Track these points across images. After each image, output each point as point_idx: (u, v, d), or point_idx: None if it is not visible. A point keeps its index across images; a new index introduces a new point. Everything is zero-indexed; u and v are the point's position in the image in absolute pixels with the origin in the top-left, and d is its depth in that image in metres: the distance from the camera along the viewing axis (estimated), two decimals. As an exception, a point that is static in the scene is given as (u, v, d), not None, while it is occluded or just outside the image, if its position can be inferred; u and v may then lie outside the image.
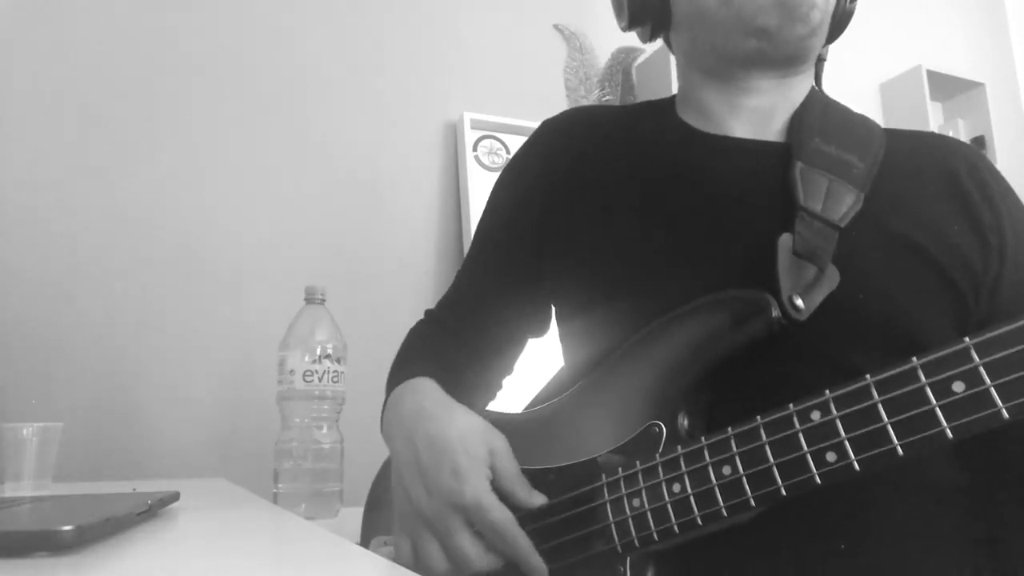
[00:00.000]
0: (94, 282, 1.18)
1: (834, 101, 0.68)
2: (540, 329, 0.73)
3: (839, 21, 0.66)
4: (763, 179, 0.60)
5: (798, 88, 0.66)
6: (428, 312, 0.77)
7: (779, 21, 0.60)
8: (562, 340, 0.69)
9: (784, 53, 0.63)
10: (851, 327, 0.53)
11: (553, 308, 0.71)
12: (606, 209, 0.64)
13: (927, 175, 0.61)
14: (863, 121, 0.65)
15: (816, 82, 0.70)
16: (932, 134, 0.69)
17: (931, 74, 2.04)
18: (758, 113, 0.65)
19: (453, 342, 0.70)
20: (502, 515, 0.52)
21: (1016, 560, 0.54)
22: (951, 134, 1.96)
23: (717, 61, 0.65)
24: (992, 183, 0.61)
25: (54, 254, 1.16)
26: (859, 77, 2.10)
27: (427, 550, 0.54)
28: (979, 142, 2.11)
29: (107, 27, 1.26)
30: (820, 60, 0.70)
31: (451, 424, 0.56)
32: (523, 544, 0.52)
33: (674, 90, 0.72)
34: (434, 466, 0.54)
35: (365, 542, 0.69)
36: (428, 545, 0.54)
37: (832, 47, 0.71)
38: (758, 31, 0.61)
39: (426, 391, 0.62)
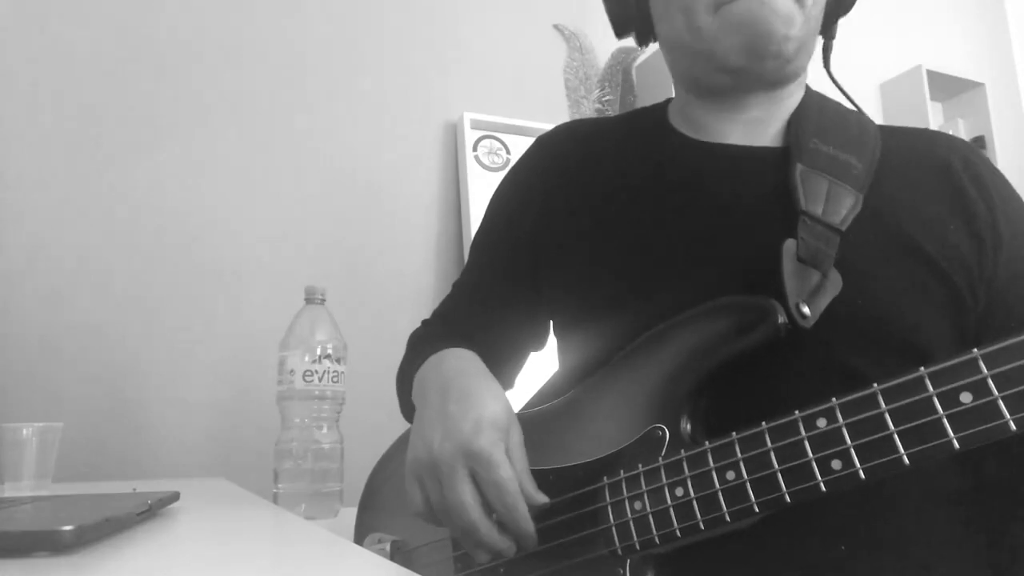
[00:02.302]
0: (94, 282, 1.18)
1: (829, 100, 0.67)
2: (540, 343, 0.73)
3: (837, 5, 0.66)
4: (761, 184, 0.59)
5: (791, 98, 0.66)
6: (425, 322, 0.77)
7: (748, 61, 0.60)
8: (559, 346, 0.69)
9: (761, 81, 0.63)
10: (852, 330, 0.53)
11: (551, 321, 0.71)
12: (603, 219, 0.64)
13: (923, 173, 0.61)
14: (858, 119, 0.65)
15: (824, 63, 0.69)
16: (926, 130, 0.69)
17: (931, 74, 2.04)
18: (751, 124, 0.65)
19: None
20: (508, 473, 0.51)
21: (1022, 563, 0.54)
22: (950, 133, 1.96)
23: (698, 85, 0.66)
24: (987, 177, 0.61)
25: (54, 254, 1.16)
26: (859, 77, 2.11)
27: (432, 495, 0.54)
28: (979, 142, 2.11)
29: (107, 27, 1.26)
30: (828, 39, 0.69)
31: (488, 391, 0.57)
32: (521, 508, 0.51)
33: (673, 91, 0.73)
34: (459, 415, 0.54)
35: (359, 541, 0.69)
36: (434, 490, 0.54)
37: (837, 32, 0.69)
38: (728, 70, 0.61)
39: (470, 358, 0.63)
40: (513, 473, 0.52)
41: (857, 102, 0.68)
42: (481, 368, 0.61)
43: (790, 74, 0.63)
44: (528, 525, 0.52)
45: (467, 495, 0.51)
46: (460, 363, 0.62)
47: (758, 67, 0.61)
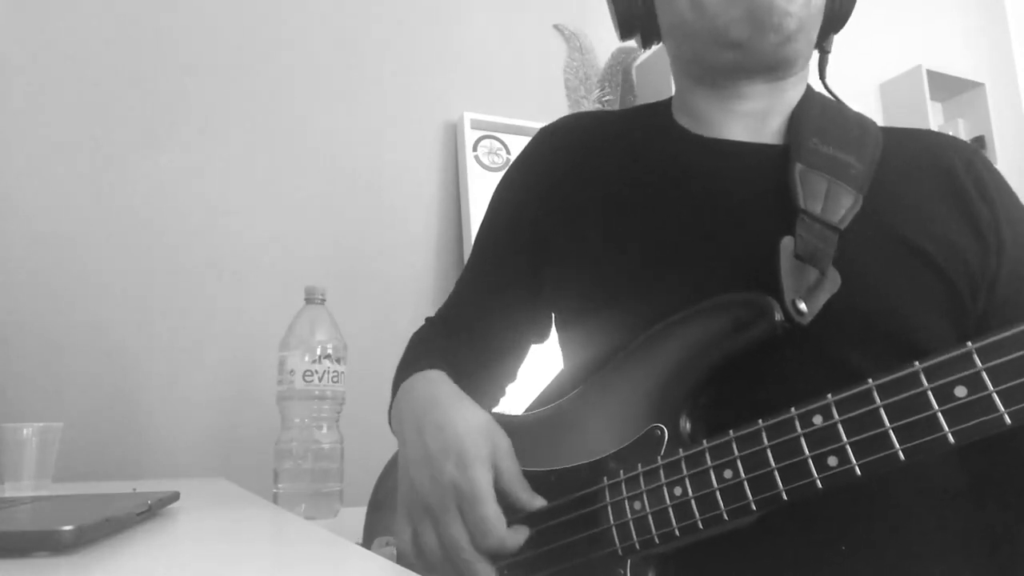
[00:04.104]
0: (94, 282, 1.18)
1: (831, 100, 0.68)
2: (541, 336, 0.73)
3: (837, 13, 0.67)
4: (761, 181, 0.60)
5: (792, 91, 0.66)
6: (429, 320, 0.77)
7: (750, 33, 0.61)
8: (562, 344, 0.69)
9: (762, 63, 0.63)
10: (851, 329, 0.53)
11: (553, 314, 0.71)
12: (604, 215, 0.64)
13: (924, 173, 0.61)
14: (859, 120, 0.66)
15: (820, 74, 0.71)
16: (928, 131, 0.69)
17: (931, 74, 2.04)
18: (752, 117, 0.65)
19: (458, 347, 0.70)
20: (492, 511, 0.52)
21: (1020, 560, 0.54)
22: (951, 134, 1.96)
23: (703, 70, 0.66)
24: (988, 179, 0.61)
25: (53, 254, 1.16)
26: (859, 77, 2.11)
27: (425, 537, 0.54)
28: (979, 142, 2.11)
29: (107, 27, 1.26)
30: (824, 52, 0.70)
31: (460, 415, 0.57)
32: (508, 544, 0.51)
33: (674, 90, 0.73)
34: (441, 453, 0.54)
35: (368, 543, 0.69)
36: (427, 532, 0.54)
37: (832, 47, 0.71)
38: (731, 43, 0.62)
39: (438, 381, 0.62)
40: (497, 511, 0.52)
41: (856, 104, 0.69)
42: (451, 391, 0.61)
43: (790, 56, 0.63)
44: (482, 565, 0.51)
45: (460, 535, 0.52)
46: (428, 390, 0.61)
47: (760, 41, 0.61)
